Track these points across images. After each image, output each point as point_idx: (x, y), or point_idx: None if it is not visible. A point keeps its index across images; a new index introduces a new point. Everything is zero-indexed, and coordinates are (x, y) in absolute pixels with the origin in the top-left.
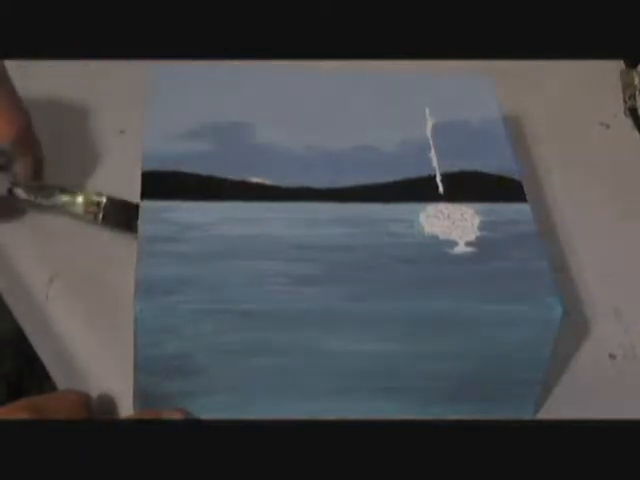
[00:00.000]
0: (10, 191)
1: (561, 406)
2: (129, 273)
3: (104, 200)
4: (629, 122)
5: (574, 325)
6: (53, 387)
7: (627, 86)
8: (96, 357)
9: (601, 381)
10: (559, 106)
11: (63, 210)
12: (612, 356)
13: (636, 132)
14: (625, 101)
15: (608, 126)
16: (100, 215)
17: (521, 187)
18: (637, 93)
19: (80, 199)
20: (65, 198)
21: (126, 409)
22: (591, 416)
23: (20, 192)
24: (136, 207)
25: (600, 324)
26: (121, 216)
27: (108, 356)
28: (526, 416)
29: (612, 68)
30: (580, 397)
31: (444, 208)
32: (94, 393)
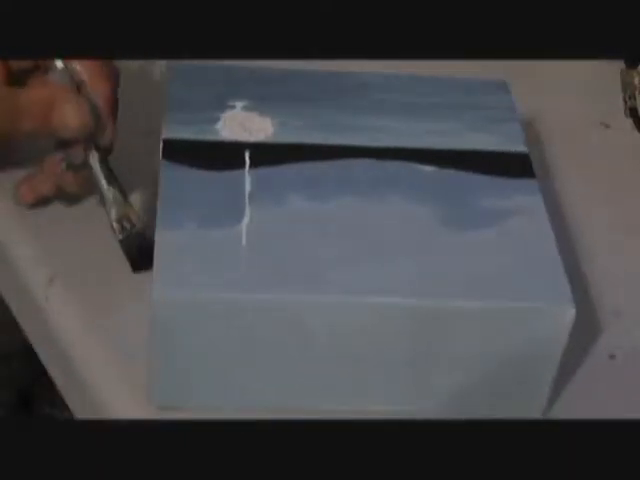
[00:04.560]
0: (85, 162)
1: (561, 406)
2: (130, 273)
3: (137, 226)
4: (629, 122)
5: (574, 325)
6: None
7: (627, 86)
8: (96, 357)
9: (601, 381)
10: (559, 106)
11: (103, 203)
12: (612, 356)
13: (636, 132)
14: (625, 101)
15: (608, 126)
16: (122, 234)
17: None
18: (637, 93)
19: (126, 206)
20: (117, 196)
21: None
22: (591, 416)
23: (95, 163)
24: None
25: (600, 324)
26: (136, 250)
27: (108, 356)
28: (536, 414)
29: (612, 68)
30: (580, 397)
31: None
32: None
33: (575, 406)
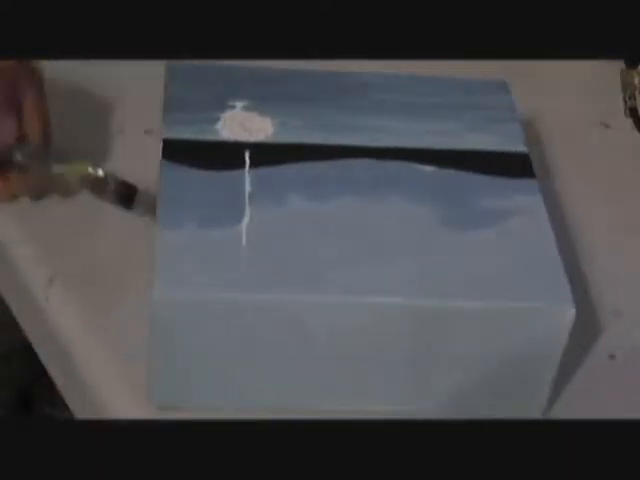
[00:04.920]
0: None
1: (561, 406)
2: (129, 273)
3: (100, 174)
4: (629, 122)
5: (574, 325)
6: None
7: (627, 86)
8: (96, 357)
9: (601, 381)
10: (559, 106)
11: (59, 179)
12: (612, 356)
13: (636, 132)
14: (625, 101)
15: (608, 126)
16: (97, 187)
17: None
18: (637, 93)
19: (76, 169)
20: (63, 167)
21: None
22: (591, 416)
23: (19, 155)
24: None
25: (600, 324)
26: (119, 194)
27: (108, 356)
28: (536, 414)
29: (612, 68)
30: (580, 397)
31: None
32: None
33: (575, 406)
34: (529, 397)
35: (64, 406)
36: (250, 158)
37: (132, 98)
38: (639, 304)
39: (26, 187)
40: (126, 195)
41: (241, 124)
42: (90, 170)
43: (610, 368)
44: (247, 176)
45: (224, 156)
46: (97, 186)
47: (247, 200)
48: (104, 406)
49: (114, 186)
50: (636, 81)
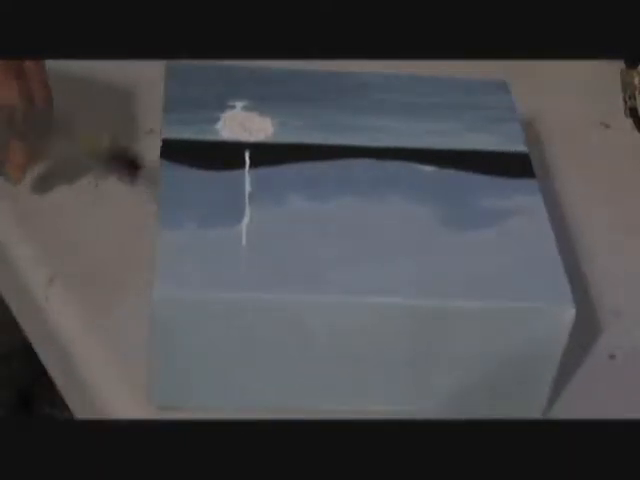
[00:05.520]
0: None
1: (561, 406)
2: (129, 273)
3: (105, 144)
4: (629, 122)
5: (574, 325)
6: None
7: (627, 86)
8: (96, 357)
9: (601, 381)
10: (559, 106)
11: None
12: (612, 356)
13: (636, 132)
14: (625, 101)
15: (608, 126)
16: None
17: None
18: (637, 93)
19: (81, 144)
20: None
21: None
22: (591, 416)
23: (20, 121)
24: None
25: (600, 324)
26: (122, 170)
27: (108, 356)
28: (536, 414)
29: (612, 68)
30: (580, 397)
31: None
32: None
33: (575, 406)
34: (529, 397)
35: (64, 406)
36: (250, 158)
37: (132, 98)
38: (639, 304)
39: (24, 155)
40: (129, 171)
41: (241, 124)
42: (95, 142)
43: (610, 368)
44: (247, 176)
45: (224, 156)
46: (100, 159)
47: (247, 200)
48: (104, 406)
49: (117, 162)
50: (636, 81)
